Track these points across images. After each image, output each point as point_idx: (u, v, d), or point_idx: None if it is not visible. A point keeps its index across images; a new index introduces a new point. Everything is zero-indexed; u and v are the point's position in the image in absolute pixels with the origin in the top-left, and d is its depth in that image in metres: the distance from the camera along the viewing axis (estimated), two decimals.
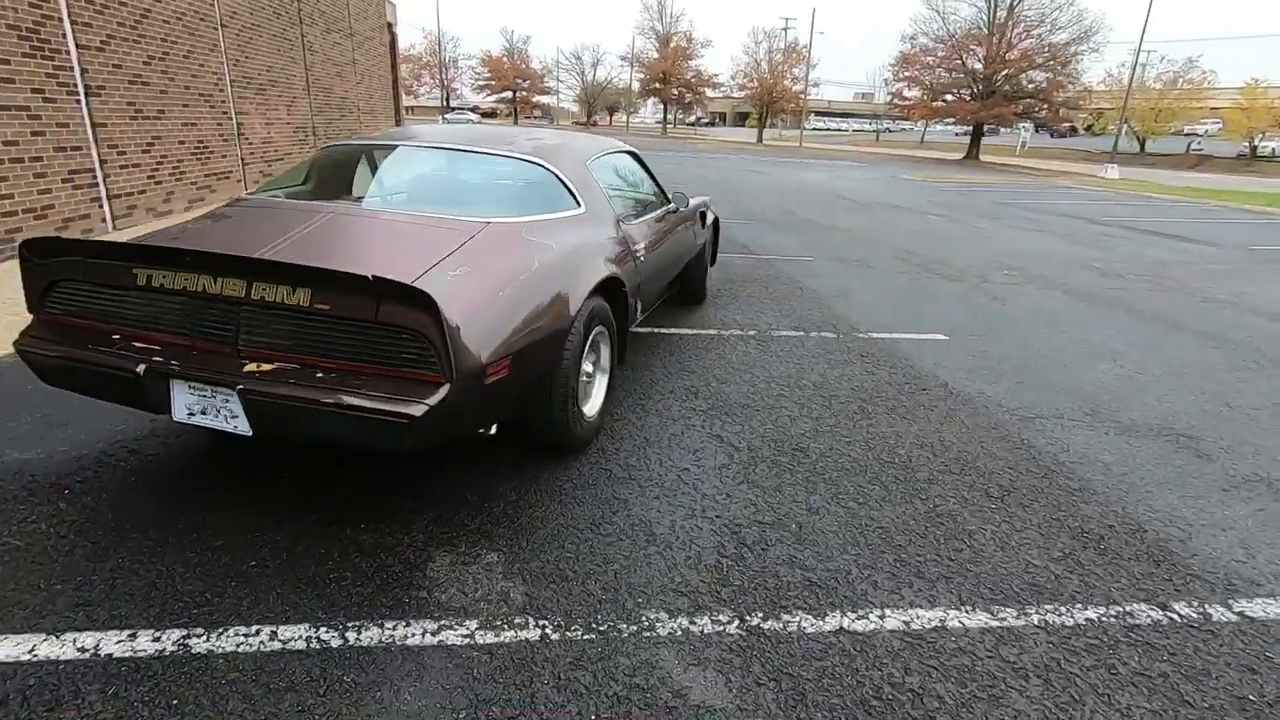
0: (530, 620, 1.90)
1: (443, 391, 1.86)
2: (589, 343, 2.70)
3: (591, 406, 2.88)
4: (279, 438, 2.10)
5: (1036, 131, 50.19)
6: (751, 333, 4.63)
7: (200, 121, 8.11)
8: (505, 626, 1.88)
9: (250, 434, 2.00)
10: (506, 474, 2.63)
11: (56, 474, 2.51)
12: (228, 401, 1.95)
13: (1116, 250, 9.53)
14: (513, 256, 2.34)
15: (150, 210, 7.09)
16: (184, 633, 1.79)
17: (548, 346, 2.34)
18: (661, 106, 66.90)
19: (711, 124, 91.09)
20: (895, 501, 2.63)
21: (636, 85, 67.55)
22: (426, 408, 1.83)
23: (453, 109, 76.97)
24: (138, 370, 1.99)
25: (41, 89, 5.63)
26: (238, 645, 1.76)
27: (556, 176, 2.91)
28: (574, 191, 2.92)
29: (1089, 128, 56.70)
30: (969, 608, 2.06)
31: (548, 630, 1.87)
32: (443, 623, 1.87)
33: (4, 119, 5.24)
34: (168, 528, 2.21)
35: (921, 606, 2.05)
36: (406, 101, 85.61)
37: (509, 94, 79.34)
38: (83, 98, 6.13)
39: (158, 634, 1.78)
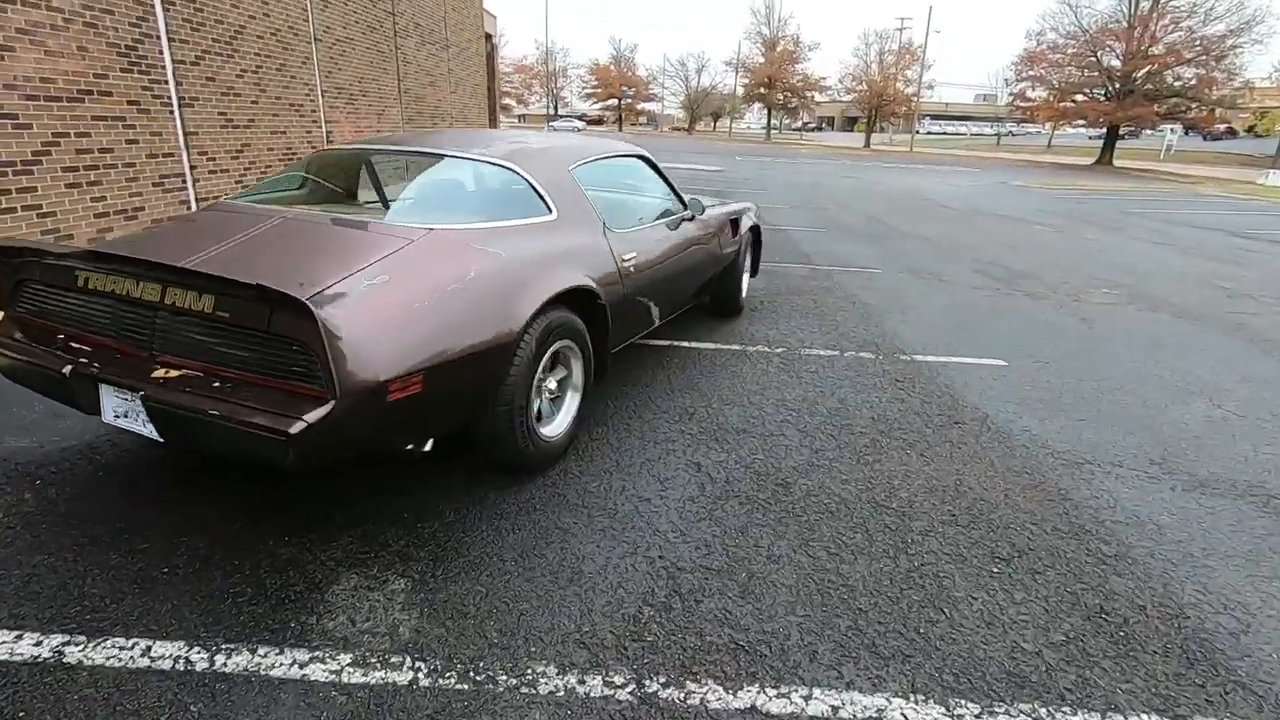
0: (407, 660, 1.75)
1: (325, 409, 1.75)
2: (548, 358, 2.54)
3: (555, 426, 2.71)
4: (183, 447, 2.08)
5: (1186, 134, 45.22)
6: (779, 350, 4.30)
7: (289, 129, 8.65)
8: (378, 665, 1.74)
9: (162, 440, 1.98)
10: (456, 493, 2.50)
11: (38, 463, 2.63)
12: (137, 406, 1.94)
13: (1254, 268, 8.29)
14: (448, 265, 2.22)
15: None
16: (65, 639, 1.78)
17: (485, 361, 2.19)
18: (766, 112, 65.81)
19: (819, 129, 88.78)
20: (875, 555, 2.29)
21: (740, 90, 66.86)
22: (304, 425, 1.73)
23: (560, 117, 79.36)
24: (63, 371, 2.02)
25: (137, 101, 6.14)
26: (108, 658, 1.72)
27: (527, 181, 2.76)
28: (545, 197, 2.77)
29: (1251, 129, 50.56)
30: (920, 698, 1.71)
31: (420, 675, 1.71)
32: (316, 654, 1.76)
33: (101, 128, 5.76)
34: (108, 525, 2.25)
35: (860, 689, 1.73)
36: (519, 110, 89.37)
37: (615, 101, 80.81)
38: (176, 109, 6.65)
39: (40, 638, 1.78)
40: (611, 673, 1.74)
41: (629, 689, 1.70)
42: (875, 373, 3.99)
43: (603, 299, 2.81)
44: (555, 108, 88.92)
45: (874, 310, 5.36)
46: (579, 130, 66.09)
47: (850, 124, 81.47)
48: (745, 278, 5.14)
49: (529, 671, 1.74)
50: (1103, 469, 2.94)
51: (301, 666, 1.72)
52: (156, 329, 1.98)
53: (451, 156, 2.84)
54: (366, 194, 3.00)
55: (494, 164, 2.81)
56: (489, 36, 19.44)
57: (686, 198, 3.97)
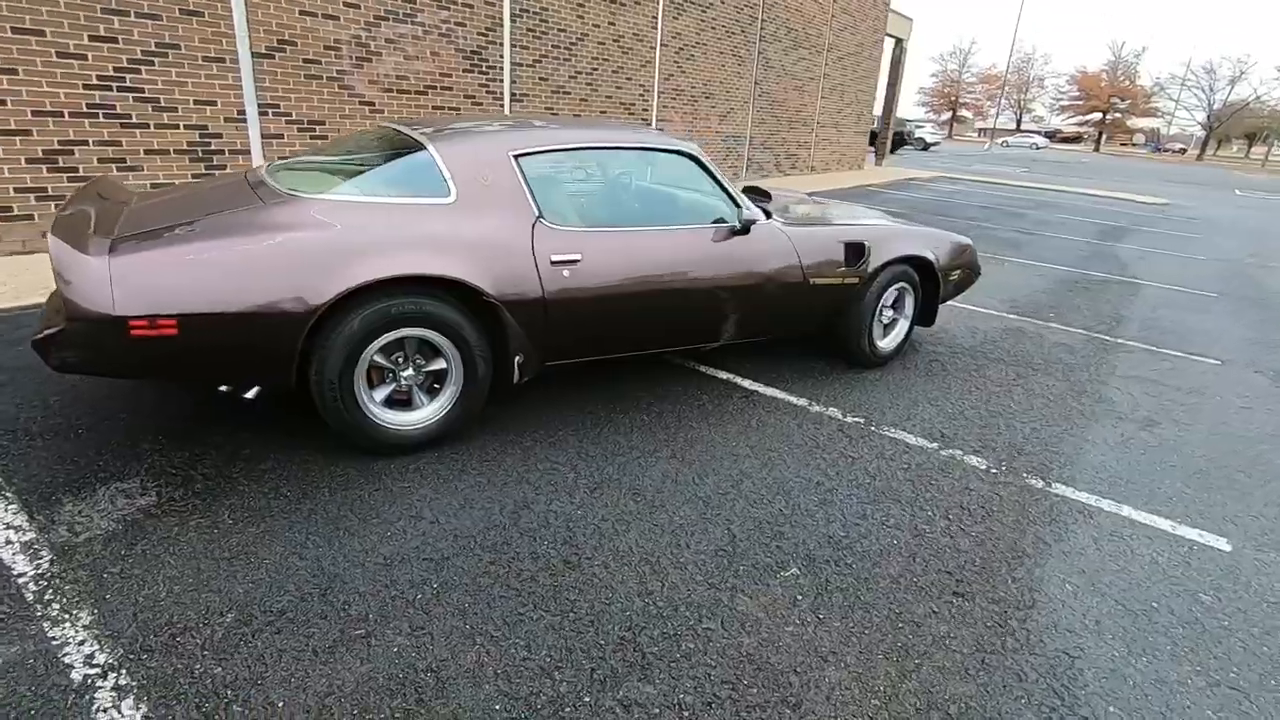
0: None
1: (56, 329, 2.08)
2: (388, 341, 2.46)
3: (420, 415, 2.62)
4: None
5: None
6: (855, 420, 3.25)
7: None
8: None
9: None
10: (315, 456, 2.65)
11: None
12: None
13: None
14: (262, 229, 2.32)
15: None
16: None
17: (271, 327, 2.25)
18: None
19: None
20: None
21: None
22: (41, 336, 2.08)
23: (1019, 132, 70.12)
24: None
25: (473, 95, 7.67)
26: None
27: (433, 160, 2.65)
28: (447, 178, 2.62)
29: None
30: None
31: None
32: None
33: (437, 116, 7.38)
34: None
35: None
36: (979, 124, 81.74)
37: (1099, 115, 67.75)
38: (507, 103, 8.08)
39: None
40: None
41: None
42: (955, 490, 2.73)
43: (493, 297, 2.57)
44: (1019, 121, 78.96)
45: (1083, 409, 3.59)
46: (1037, 149, 57.37)
47: None
48: (903, 324, 3.99)
49: None
50: None
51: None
52: None
53: (404, 135, 2.90)
54: (356, 167, 3.07)
55: (415, 140, 2.77)
56: (898, 40, 18.31)
57: (749, 205, 3.26)
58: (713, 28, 11.00)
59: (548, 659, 1.76)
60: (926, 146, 37.85)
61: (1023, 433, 3.26)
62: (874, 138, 20.75)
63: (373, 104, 6.77)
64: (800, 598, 2.05)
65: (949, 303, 5.46)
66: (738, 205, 3.24)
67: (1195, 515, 2.68)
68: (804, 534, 2.36)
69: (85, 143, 5.08)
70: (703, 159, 3.20)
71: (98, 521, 2.16)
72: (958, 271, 4.12)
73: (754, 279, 3.24)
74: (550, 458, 2.72)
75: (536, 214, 2.73)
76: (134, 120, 5.29)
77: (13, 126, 4.75)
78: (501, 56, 7.86)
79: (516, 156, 2.76)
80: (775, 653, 1.84)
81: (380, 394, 2.60)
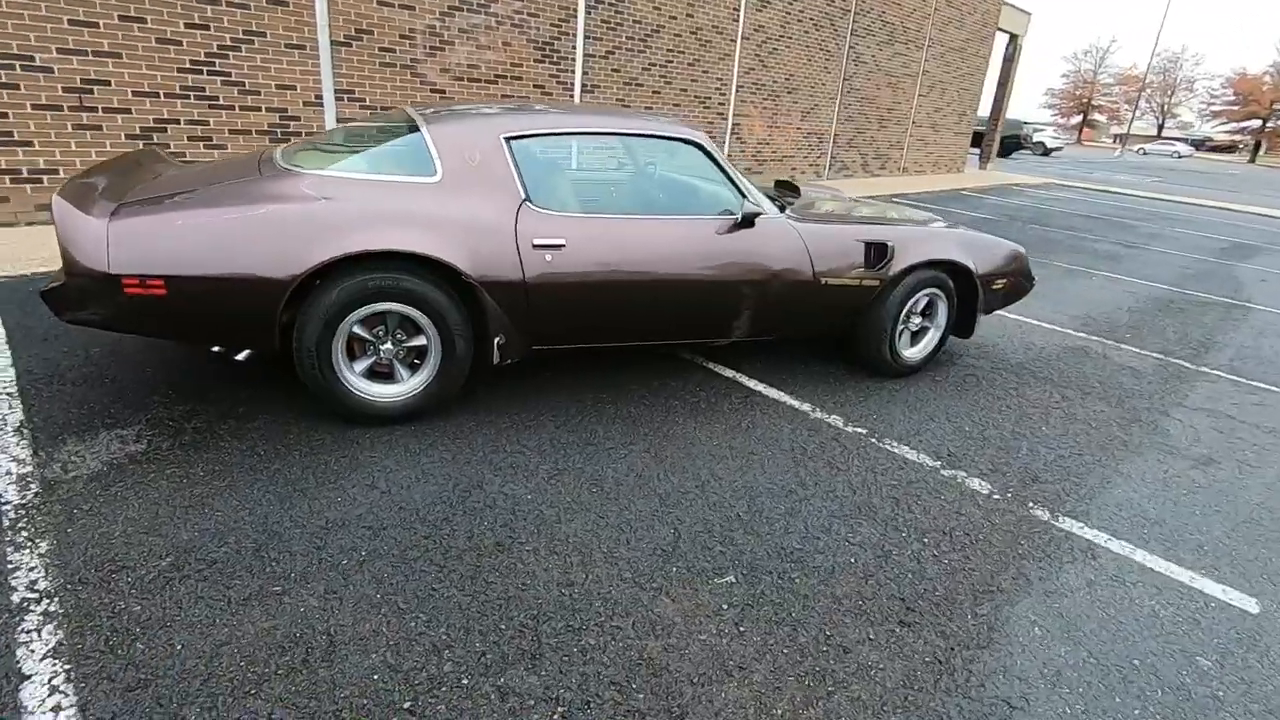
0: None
1: (59, 282, 2.26)
2: (365, 314, 2.54)
3: (399, 388, 2.69)
4: None
5: None
6: (855, 430, 3.05)
7: (689, 119, 9.56)
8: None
9: None
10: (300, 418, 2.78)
11: None
12: None
13: None
14: (251, 200, 2.43)
15: None
16: None
17: (252, 294, 2.37)
18: None
19: None
20: None
21: None
22: (47, 289, 2.27)
23: (1161, 139, 63.95)
24: None
25: (543, 85, 7.79)
26: None
27: (424, 140, 2.69)
28: (435, 158, 2.65)
29: None
30: None
31: None
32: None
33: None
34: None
35: None
36: (1114, 129, 75.05)
37: (1259, 123, 60.78)
38: (578, 93, 8.16)
39: None
40: None
41: None
42: (954, 518, 2.52)
43: (471, 277, 2.59)
44: (1160, 127, 72.06)
45: (1112, 440, 3.21)
46: (1178, 157, 52.13)
47: None
48: (934, 333, 3.72)
49: None
50: None
51: None
52: None
53: (409, 115, 2.95)
54: (361, 145, 3.12)
55: (411, 122, 2.83)
56: (1012, 36, 17.11)
57: (758, 198, 3.12)
58: (800, 20, 10.67)
59: (443, 637, 1.75)
60: (1047, 151, 35.23)
61: (1045, 459, 2.97)
62: (979, 139, 19.53)
63: (443, 92, 7.02)
64: (726, 607, 1.95)
65: (1002, 314, 5.06)
66: (745, 197, 3.12)
67: (1227, 569, 2.34)
68: (756, 542, 2.24)
69: (177, 121, 5.55)
70: (709, 148, 3.10)
71: (88, 462, 2.35)
72: (1003, 280, 3.80)
73: (758, 275, 3.11)
74: (521, 441, 2.73)
75: (523, 197, 2.73)
76: (221, 102, 5.72)
77: (115, 105, 5.25)
78: (574, 47, 7.94)
79: (509, 139, 2.77)
80: (678, 660, 1.75)
81: (361, 365, 2.68)
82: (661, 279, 2.94)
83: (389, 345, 2.68)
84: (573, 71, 8.03)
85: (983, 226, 9.10)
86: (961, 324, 3.81)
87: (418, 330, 2.70)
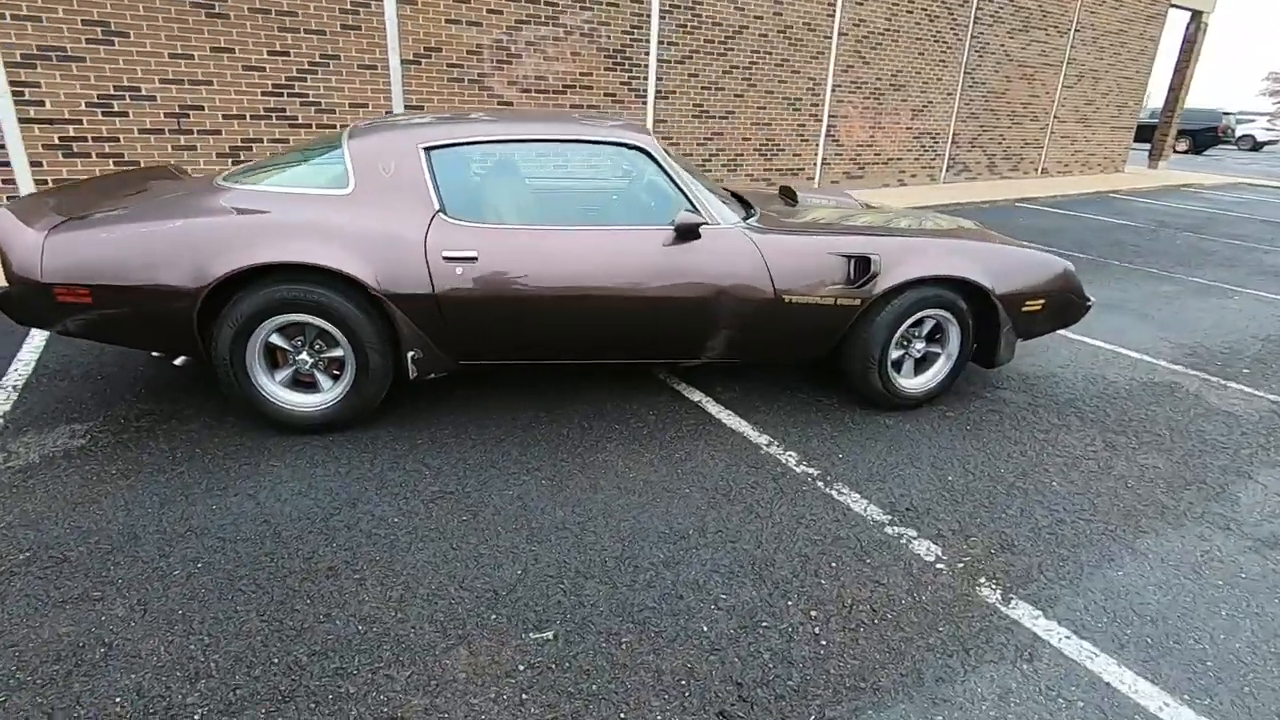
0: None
1: (2, 290, 2.48)
2: (281, 324, 2.57)
3: (318, 398, 2.72)
4: None
5: None
6: (806, 471, 2.65)
7: (775, 122, 9.11)
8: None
9: None
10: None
11: None
12: None
13: None
14: (170, 211, 2.54)
15: None
16: None
17: (164, 301, 2.49)
18: None
19: None
20: None
21: None
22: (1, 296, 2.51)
23: None
24: None
25: (614, 93, 7.74)
26: None
27: (343, 152, 2.66)
28: (350, 170, 2.62)
29: None
30: None
31: None
32: None
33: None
34: None
35: None
36: None
37: None
38: (650, 100, 8.03)
39: None
40: None
41: None
42: (868, 587, 2.11)
43: (377, 290, 2.55)
44: None
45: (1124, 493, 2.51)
46: None
47: None
48: (943, 362, 3.19)
49: None
50: None
51: None
52: None
53: (348, 130, 2.96)
54: (298, 160, 3.07)
55: (340, 135, 2.83)
56: (1195, 14, 14.70)
57: (708, 208, 2.82)
58: (909, 12, 9.82)
59: (211, 665, 1.70)
60: (1257, 146, 30.00)
61: (1036, 524, 2.41)
62: (1149, 133, 16.99)
63: (511, 104, 7.18)
64: (524, 668, 1.73)
65: (1073, 338, 4.27)
66: (692, 206, 2.84)
67: (1227, 700, 1.74)
68: (607, 594, 1.99)
69: (260, 140, 6.11)
70: (654, 153, 2.85)
71: (32, 453, 2.57)
72: (1039, 301, 3.18)
73: (704, 291, 2.81)
74: (426, 459, 2.64)
75: (437, 208, 2.65)
76: (299, 121, 6.22)
77: (208, 127, 5.87)
78: (646, 54, 7.83)
79: (427, 149, 2.70)
80: None
81: (282, 375, 2.73)
82: (589, 294, 2.73)
83: (305, 356, 2.71)
84: (645, 78, 7.92)
85: (1108, 236, 7.87)
86: (984, 352, 3.24)
87: (336, 342, 2.71)
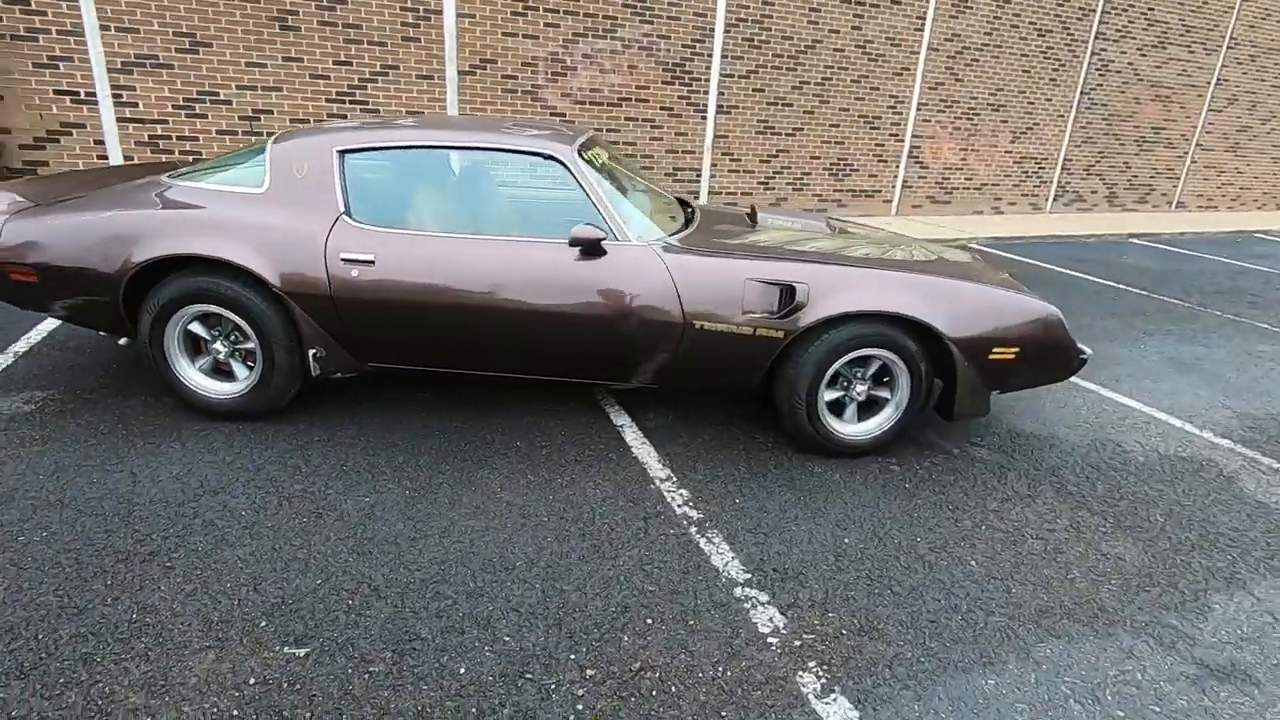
0: None
1: None
2: (193, 314, 2.71)
3: (228, 386, 2.82)
4: None
5: None
6: (688, 514, 2.42)
7: (849, 140, 8.62)
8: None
9: None
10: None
11: None
12: None
13: None
14: (111, 203, 2.72)
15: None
16: None
17: (94, 286, 2.68)
18: None
19: None
20: None
21: None
22: None
23: None
24: None
25: (670, 107, 7.64)
26: None
27: (265, 154, 2.74)
28: (267, 170, 2.70)
29: None
30: None
31: None
32: None
33: (631, 127, 7.54)
34: None
35: None
36: None
37: None
38: (711, 115, 7.85)
39: None
40: None
41: None
42: (665, 653, 1.88)
43: (278, 287, 2.62)
44: None
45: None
46: None
47: None
48: (890, 410, 2.83)
49: None
50: None
51: None
52: None
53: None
54: (240, 159, 3.14)
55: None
56: None
57: (620, 223, 2.66)
58: (1014, 26, 9.00)
59: None
60: None
61: (919, 610, 2.05)
62: None
63: (563, 115, 7.27)
64: (256, 682, 1.67)
65: (1102, 392, 3.67)
66: (603, 219, 2.70)
67: None
68: (387, 617, 1.89)
69: None
70: (570, 164, 2.73)
71: None
72: (1010, 351, 2.75)
73: (606, 310, 2.66)
74: (308, 457, 2.66)
75: (341, 210, 2.68)
76: None
77: (275, 129, 6.37)
78: (708, 68, 7.67)
79: (341, 152, 2.74)
80: None
81: (203, 361, 2.87)
82: (485, 306, 2.66)
83: (219, 346, 2.83)
84: (706, 93, 7.77)
85: (1224, 282, 6.79)
86: (944, 402, 2.85)
87: (230, 330, 2.81)
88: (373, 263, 2.65)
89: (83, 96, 5.81)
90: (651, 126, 7.68)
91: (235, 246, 2.64)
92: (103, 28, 5.69)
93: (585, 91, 7.28)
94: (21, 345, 3.51)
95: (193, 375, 2.85)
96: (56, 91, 5.74)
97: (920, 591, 2.14)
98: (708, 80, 7.74)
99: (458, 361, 2.84)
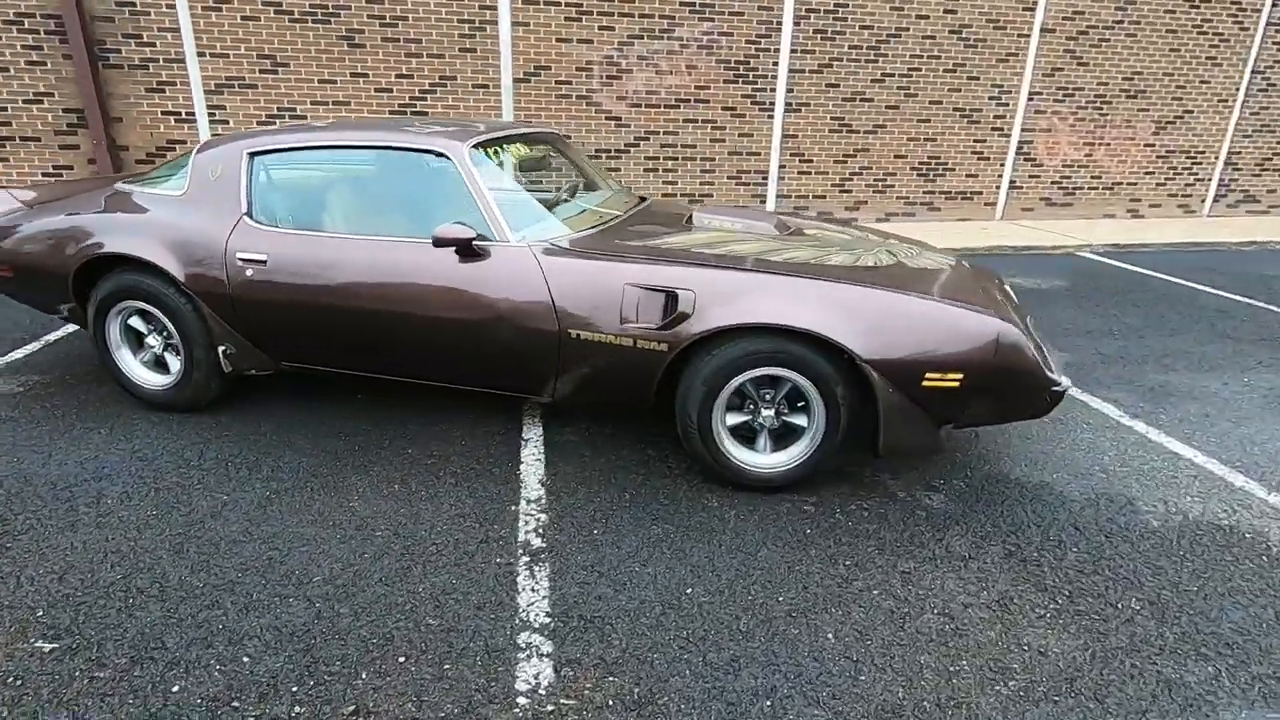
0: None
1: None
2: (123, 310, 2.89)
3: (161, 382, 2.98)
4: None
5: None
6: (536, 544, 2.17)
7: (942, 137, 7.74)
8: None
9: None
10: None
11: None
12: None
13: None
14: (73, 209, 2.94)
15: (822, 213, 7.82)
16: None
17: (51, 281, 2.94)
18: None
19: None
20: None
21: None
22: None
23: None
24: None
25: (733, 107, 7.27)
26: None
27: (189, 158, 2.83)
28: (187, 173, 2.79)
29: None
30: None
31: None
32: None
33: (690, 129, 7.26)
34: None
35: None
36: None
37: None
38: (778, 114, 7.38)
39: None
40: None
41: None
42: (417, 688, 1.67)
43: (185, 285, 2.72)
44: None
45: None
46: None
47: None
48: (805, 441, 2.41)
49: None
50: None
51: None
52: None
53: None
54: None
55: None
56: None
57: (497, 222, 2.47)
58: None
59: None
60: None
61: (726, 688, 1.68)
62: None
63: (619, 119, 7.16)
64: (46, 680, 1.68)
65: (1150, 437, 2.92)
66: (485, 219, 2.52)
67: None
68: (150, 621, 1.85)
69: None
70: (458, 162, 2.59)
71: None
72: (952, 377, 2.23)
73: (484, 316, 2.49)
74: (210, 451, 2.73)
75: (244, 211, 2.73)
76: None
77: None
78: (775, 64, 7.22)
79: (252, 154, 2.79)
80: None
81: (145, 354, 3.05)
82: (369, 307, 2.59)
83: (152, 340, 2.99)
84: (773, 90, 7.31)
85: None
86: (877, 439, 2.37)
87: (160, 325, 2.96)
88: (265, 262, 2.68)
89: (184, 116, 6.56)
90: (713, 128, 7.36)
91: (151, 246, 2.77)
92: (199, 54, 6.39)
93: (641, 94, 7.13)
94: (54, 335, 3.97)
95: (133, 367, 3.04)
96: (163, 112, 6.53)
97: (738, 665, 1.76)
98: (774, 77, 7.30)
99: (358, 364, 2.81)
